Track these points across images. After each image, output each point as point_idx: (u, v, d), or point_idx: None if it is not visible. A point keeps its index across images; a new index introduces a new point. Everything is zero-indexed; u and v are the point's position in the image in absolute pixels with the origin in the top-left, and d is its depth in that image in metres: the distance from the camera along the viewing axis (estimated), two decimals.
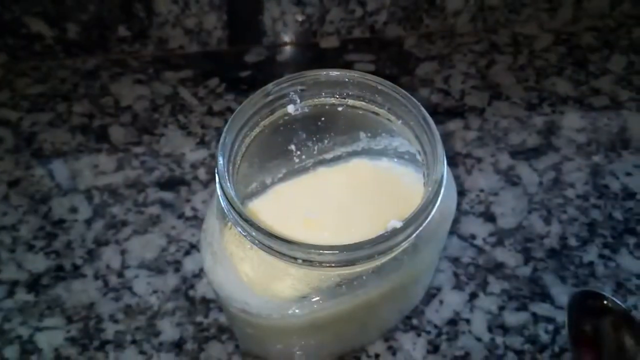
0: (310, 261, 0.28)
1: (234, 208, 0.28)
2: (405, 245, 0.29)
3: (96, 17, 0.57)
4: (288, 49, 0.62)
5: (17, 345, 0.42)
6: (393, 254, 0.29)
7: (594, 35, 0.62)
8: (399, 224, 0.28)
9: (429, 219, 0.28)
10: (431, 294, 0.44)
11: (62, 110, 0.56)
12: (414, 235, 0.28)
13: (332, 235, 0.34)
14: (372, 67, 0.60)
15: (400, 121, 0.33)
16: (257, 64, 0.60)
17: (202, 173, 0.51)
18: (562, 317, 0.43)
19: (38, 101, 0.57)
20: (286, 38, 0.62)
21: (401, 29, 0.62)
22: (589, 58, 0.60)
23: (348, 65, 0.59)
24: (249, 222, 0.28)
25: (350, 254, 0.28)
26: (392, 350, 0.42)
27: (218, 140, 0.53)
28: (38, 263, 0.46)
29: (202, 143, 0.53)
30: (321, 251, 0.28)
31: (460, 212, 0.48)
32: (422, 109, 0.31)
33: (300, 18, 0.60)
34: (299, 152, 0.37)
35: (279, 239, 0.27)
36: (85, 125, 0.55)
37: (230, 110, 0.56)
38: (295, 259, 0.28)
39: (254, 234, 0.28)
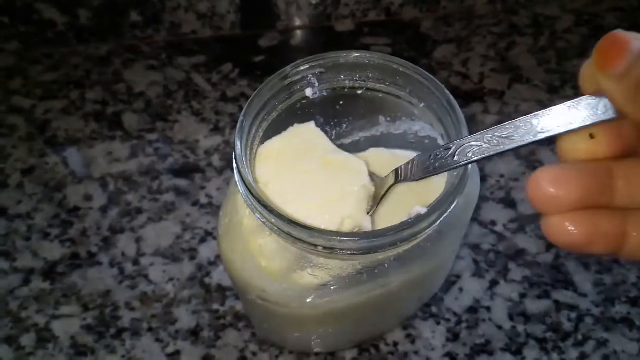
0: (331, 248, 0.27)
1: (252, 194, 0.28)
2: (429, 232, 0.28)
3: (108, 2, 0.56)
4: (302, 32, 0.61)
5: (33, 333, 0.42)
6: (416, 241, 0.28)
7: (617, 15, 0.61)
8: (423, 210, 0.27)
9: (454, 205, 0.28)
10: (451, 282, 0.43)
11: (75, 98, 0.56)
12: (438, 222, 0.28)
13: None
14: (389, 51, 0.59)
15: (422, 104, 0.32)
16: (271, 49, 0.59)
17: (216, 160, 0.51)
18: (585, 304, 0.42)
19: (51, 88, 0.56)
20: (300, 22, 0.60)
21: (418, 11, 0.61)
22: None
23: (364, 49, 0.58)
24: (268, 209, 0.27)
25: (372, 241, 0.27)
26: (411, 339, 0.41)
27: (232, 127, 0.53)
28: (53, 251, 0.46)
29: (216, 129, 0.53)
30: (342, 238, 0.27)
31: (480, 198, 0.47)
32: (446, 91, 0.30)
33: (314, 1, 0.59)
34: None
35: (299, 225, 0.27)
36: (98, 112, 0.54)
37: (245, 95, 0.55)
38: (316, 246, 0.27)
39: (273, 220, 0.27)
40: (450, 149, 0.26)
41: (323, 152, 0.33)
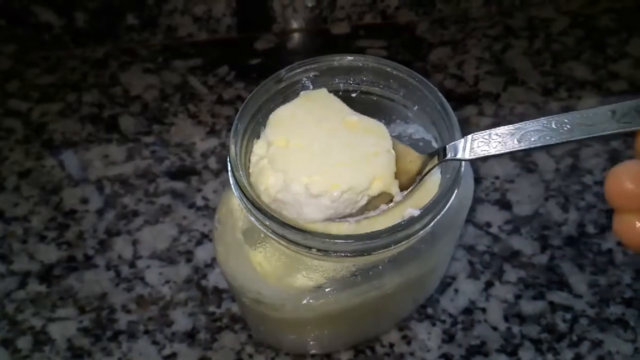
0: (325, 251, 0.27)
1: (246, 197, 0.28)
2: (422, 234, 0.28)
3: (104, 5, 0.56)
4: (298, 35, 0.61)
5: (29, 336, 0.42)
6: (410, 243, 0.28)
7: (612, 17, 0.61)
8: (416, 212, 0.27)
9: (447, 206, 0.28)
10: (446, 283, 0.43)
11: (71, 100, 0.56)
12: (432, 224, 0.28)
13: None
14: (384, 53, 0.59)
15: (416, 107, 0.32)
16: (267, 51, 0.59)
17: (212, 162, 0.51)
18: (580, 305, 0.42)
19: (48, 91, 0.56)
20: (296, 24, 0.61)
21: (413, 14, 0.61)
22: (607, 41, 0.59)
23: (359, 52, 0.58)
24: (262, 211, 0.27)
25: (366, 243, 0.27)
26: (407, 340, 0.41)
27: (228, 129, 0.53)
28: (50, 254, 0.46)
29: (212, 132, 0.53)
30: (336, 240, 0.27)
31: (475, 199, 0.47)
32: (439, 94, 0.31)
33: (310, 4, 0.59)
34: None
35: (293, 228, 0.27)
36: (95, 115, 0.55)
37: (241, 98, 0.55)
38: (310, 248, 0.27)
39: (267, 223, 0.28)
40: (513, 131, 0.25)
41: (342, 113, 0.32)
